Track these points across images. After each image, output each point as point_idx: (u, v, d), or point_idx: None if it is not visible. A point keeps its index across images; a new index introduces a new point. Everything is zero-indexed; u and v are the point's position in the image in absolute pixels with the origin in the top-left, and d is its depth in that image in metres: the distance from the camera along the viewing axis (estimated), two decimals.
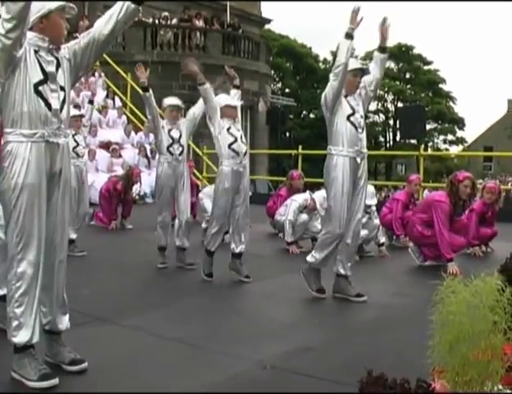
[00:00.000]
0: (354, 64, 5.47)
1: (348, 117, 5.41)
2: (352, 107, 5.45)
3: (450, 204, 6.97)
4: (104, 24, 3.57)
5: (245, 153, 6.28)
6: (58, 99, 3.46)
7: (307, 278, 5.59)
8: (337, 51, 5.32)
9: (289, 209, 8.28)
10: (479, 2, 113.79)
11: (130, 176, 10.45)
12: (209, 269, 6.23)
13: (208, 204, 8.45)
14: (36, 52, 3.40)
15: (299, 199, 8.43)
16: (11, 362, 3.40)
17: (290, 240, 8.11)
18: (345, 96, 5.46)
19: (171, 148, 6.80)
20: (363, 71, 5.59)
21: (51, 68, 3.45)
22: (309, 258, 5.57)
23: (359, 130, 5.45)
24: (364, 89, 5.58)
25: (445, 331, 2.62)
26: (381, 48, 5.61)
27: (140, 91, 6.82)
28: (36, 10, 3.35)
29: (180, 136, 6.88)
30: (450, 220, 7.02)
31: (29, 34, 3.36)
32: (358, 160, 5.44)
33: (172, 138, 6.81)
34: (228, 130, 6.18)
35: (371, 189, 7.61)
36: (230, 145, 6.14)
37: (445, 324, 2.63)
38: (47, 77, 3.41)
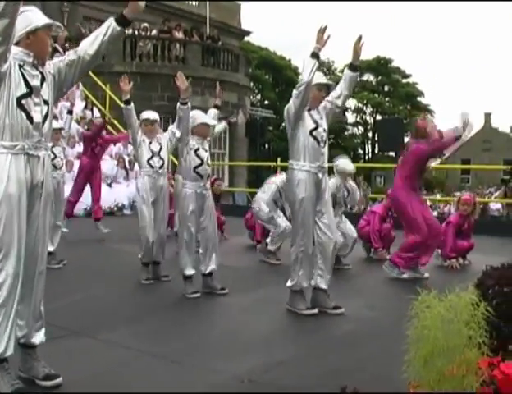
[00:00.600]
0: (319, 79, 5.51)
1: (311, 132, 5.43)
2: (315, 121, 5.48)
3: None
4: (90, 44, 3.61)
5: (209, 176, 6.29)
6: (41, 113, 3.47)
7: (293, 305, 5.51)
8: (302, 69, 5.34)
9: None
10: (457, 16, 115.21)
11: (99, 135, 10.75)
12: (192, 288, 6.17)
13: None
14: (21, 66, 3.41)
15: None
16: None
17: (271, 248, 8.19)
18: (309, 110, 5.48)
19: (151, 161, 6.76)
20: (328, 87, 5.63)
21: (35, 82, 3.46)
22: (288, 283, 5.53)
23: (321, 145, 5.48)
24: (330, 103, 5.60)
25: (420, 345, 2.63)
26: (353, 66, 5.63)
27: (121, 104, 6.76)
28: (23, 25, 3.39)
29: (161, 149, 6.83)
30: None
31: (15, 49, 3.38)
32: (320, 175, 5.47)
33: (152, 151, 6.78)
34: (196, 151, 6.14)
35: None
36: (195, 168, 6.12)
37: (420, 339, 2.64)
38: (31, 91, 3.42)
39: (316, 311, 5.44)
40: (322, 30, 5.21)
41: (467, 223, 8.41)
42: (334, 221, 5.62)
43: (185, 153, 6.18)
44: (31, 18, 3.46)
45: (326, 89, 5.61)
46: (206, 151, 6.26)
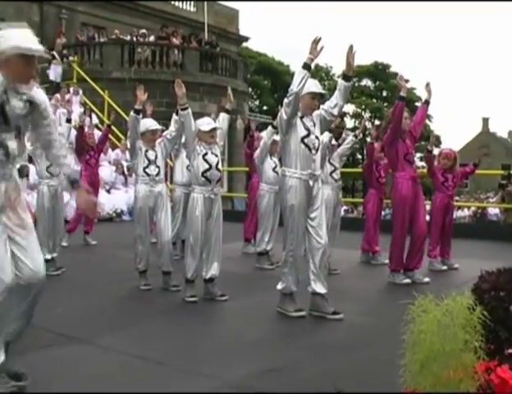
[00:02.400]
0: (313, 87, 5.54)
1: (302, 139, 5.46)
2: (307, 129, 5.50)
3: None
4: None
5: (218, 180, 6.26)
6: (12, 142, 3.47)
7: (283, 307, 5.58)
8: (294, 78, 5.36)
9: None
10: (455, 21, 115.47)
11: (83, 139, 10.56)
12: (191, 292, 6.18)
13: None
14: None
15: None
16: None
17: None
18: (301, 117, 5.51)
19: (147, 170, 6.73)
20: (321, 96, 5.66)
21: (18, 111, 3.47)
22: (279, 286, 5.61)
23: (313, 152, 5.51)
24: (325, 112, 5.62)
25: (417, 350, 2.63)
26: (346, 76, 5.64)
27: (131, 112, 6.66)
28: None
29: (156, 157, 6.81)
30: None
31: None
32: (311, 182, 5.50)
33: (149, 159, 6.76)
34: (204, 156, 6.13)
35: None
36: (203, 173, 6.12)
37: (416, 343, 2.64)
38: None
39: (304, 313, 5.49)
40: (316, 41, 5.23)
41: (450, 179, 8.42)
42: (325, 227, 5.65)
43: (192, 159, 6.19)
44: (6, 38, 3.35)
45: (320, 97, 5.64)
46: (216, 156, 6.23)
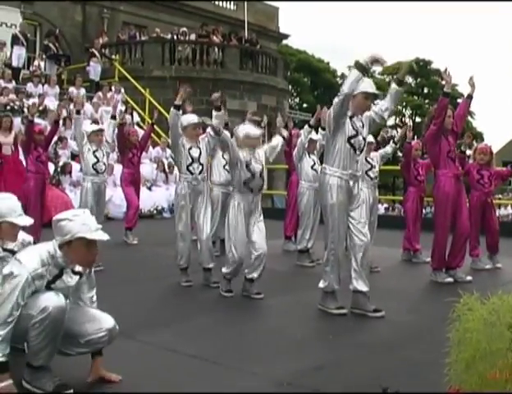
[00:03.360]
0: (367, 87, 5.46)
1: (349, 139, 5.40)
2: (356, 129, 5.45)
3: None
4: None
5: (261, 188, 6.25)
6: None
7: (325, 305, 5.57)
8: (347, 79, 5.33)
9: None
10: (500, 16, 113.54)
11: (126, 137, 10.55)
12: (227, 286, 6.23)
13: None
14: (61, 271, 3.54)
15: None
16: None
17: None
18: (351, 117, 5.46)
19: (190, 168, 6.68)
20: (375, 96, 5.61)
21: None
22: (321, 285, 5.59)
23: (357, 153, 5.47)
24: (376, 114, 5.57)
25: (462, 349, 2.59)
26: (399, 81, 5.60)
27: (171, 108, 6.64)
28: (62, 234, 3.48)
29: (200, 154, 6.77)
30: None
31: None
32: (351, 182, 5.47)
33: (192, 157, 6.71)
34: (247, 166, 6.09)
35: None
36: (245, 183, 6.09)
37: (461, 342, 2.60)
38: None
39: (345, 311, 5.46)
40: (380, 59, 5.23)
41: (486, 177, 8.25)
42: (366, 225, 5.61)
43: (236, 165, 6.13)
44: (69, 228, 3.44)
45: (373, 97, 5.58)
46: (260, 163, 6.20)
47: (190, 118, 6.89)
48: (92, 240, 3.47)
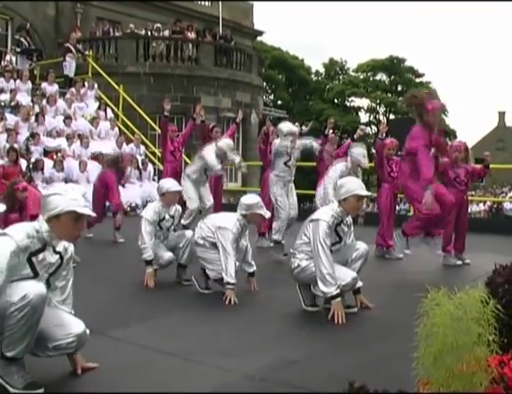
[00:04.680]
0: (358, 189, 5.35)
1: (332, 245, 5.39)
2: (340, 236, 5.49)
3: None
4: None
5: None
6: None
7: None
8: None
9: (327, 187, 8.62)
10: (470, 14, 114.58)
11: (117, 161, 10.44)
12: (205, 283, 6.26)
13: None
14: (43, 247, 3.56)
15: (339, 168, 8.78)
16: None
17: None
18: (338, 224, 5.42)
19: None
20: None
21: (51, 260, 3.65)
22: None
23: None
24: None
25: (430, 343, 2.63)
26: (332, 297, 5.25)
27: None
28: (48, 208, 3.52)
29: None
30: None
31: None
32: None
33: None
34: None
35: None
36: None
37: (429, 336, 2.64)
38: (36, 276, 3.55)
39: (317, 308, 5.50)
40: None
41: (463, 174, 8.32)
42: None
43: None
44: (57, 203, 3.49)
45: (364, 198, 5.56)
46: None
47: (169, 185, 6.80)
48: (81, 214, 3.52)
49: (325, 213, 5.34)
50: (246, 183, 23.76)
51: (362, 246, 5.61)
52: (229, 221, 6.01)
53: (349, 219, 5.53)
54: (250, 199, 6.06)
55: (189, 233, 6.77)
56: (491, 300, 2.67)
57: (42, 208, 3.54)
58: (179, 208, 6.94)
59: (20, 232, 3.44)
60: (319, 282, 5.14)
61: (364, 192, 5.39)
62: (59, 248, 3.64)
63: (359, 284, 5.52)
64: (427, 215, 6.98)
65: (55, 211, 3.48)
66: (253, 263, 6.29)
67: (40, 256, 3.51)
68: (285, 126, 8.63)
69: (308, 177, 30.03)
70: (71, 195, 3.56)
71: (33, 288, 3.34)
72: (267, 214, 6.13)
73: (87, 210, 3.61)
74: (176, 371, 3.90)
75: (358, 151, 8.73)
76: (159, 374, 3.82)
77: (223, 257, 5.86)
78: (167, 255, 6.61)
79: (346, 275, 5.29)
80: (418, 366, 2.69)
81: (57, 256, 3.65)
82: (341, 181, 5.51)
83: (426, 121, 7.05)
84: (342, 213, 5.34)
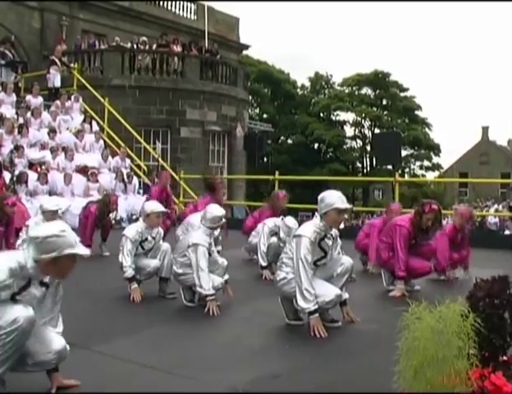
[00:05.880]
0: (338, 202, 5.36)
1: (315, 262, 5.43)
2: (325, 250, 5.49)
3: (411, 229, 7.10)
4: None
5: None
6: None
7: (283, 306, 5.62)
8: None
9: (261, 232, 8.37)
10: (454, 30, 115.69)
11: (108, 203, 10.33)
12: (190, 295, 6.26)
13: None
14: (28, 282, 3.48)
15: (271, 223, 8.52)
16: None
17: (263, 264, 8.16)
18: (322, 238, 5.43)
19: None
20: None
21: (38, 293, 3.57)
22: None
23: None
24: None
25: (411, 356, 2.66)
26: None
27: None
28: (49, 249, 3.41)
29: None
30: (412, 244, 7.17)
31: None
32: None
33: None
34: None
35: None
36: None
37: (410, 350, 2.67)
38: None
39: (301, 322, 5.47)
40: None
41: (461, 235, 8.40)
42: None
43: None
44: (58, 244, 3.41)
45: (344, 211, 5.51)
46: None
47: (153, 206, 6.85)
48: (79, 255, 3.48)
49: (307, 229, 5.35)
50: (232, 197, 23.74)
51: (347, 261, 5.62)
52: (198, 237, 6.17)
53: (333, 232, 5.54)
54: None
55: (165, 245, 6.82)
56: (471, 314, 2.70)
57: (36, 247, 3.39)
58: (161, 230, 6.95)
59: (3, 271, 3.30)
60: (298, 297, 5.17)
61: (344, 205, 5.39)
62: (46, 279, 3.55)
63: (346, 296, 5.54)
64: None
65: (53, 253, 3.38)
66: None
67: (23, 293, 3.43)
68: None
69: (294, 191, 30.10)
70: (69, 235, 3.46)
71: (22, 312, 3.31)
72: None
73: (84, 250, 3.52)
74: (160, 385, 3.88)
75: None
76: (142, 388, 3.81)
77: (195, 272, 5.97)
78: (153, 262, 6.67)
79: (330, 292, 5.31)
80: (399, 379, 2.72)
81: (44, 288, 3.57)
82: (321, 195, 5.50)
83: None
84: (325, 227, 5.36)
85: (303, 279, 5.14)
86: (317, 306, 5.13)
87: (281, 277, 5.47)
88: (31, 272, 3.41)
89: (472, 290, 3.41)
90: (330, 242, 5.48)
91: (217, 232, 6.35)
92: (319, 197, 5.51)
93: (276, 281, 5.56)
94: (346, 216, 6.39)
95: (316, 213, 5.85)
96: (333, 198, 5.37)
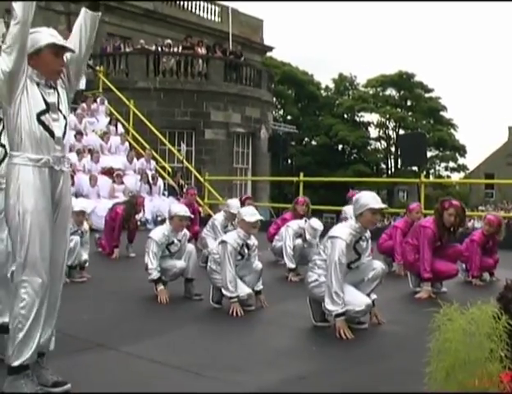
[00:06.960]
0: (373, 203, 5.32)
1: (348, 265, 5.40)
2: (359, 252, 5.45)
3: (436, 230, 7.02)
4: (73, 36, 3.72)
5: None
6: (60, 128, 3.54)
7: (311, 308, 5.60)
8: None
9: (285, 235, 8.36)
10: (480, 30, 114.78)
11: (134, 205, 10.37)
12: (218, 297, 6.25)
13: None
14: (38, 84, 3.50)
15: (294, 225, 8.49)
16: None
17: (292, 266, 8.13)
18: (357, 241, 5.39)
19: None
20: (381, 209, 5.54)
21: (52, 99, 3.55)
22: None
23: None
24: None
25: (442, 358, 2.63)
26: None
27: None
28: (29, 46, 3.46)
29: None
30: (437, 245, 7.09)
31: (29, 69, 3.48)
32: None
33: None
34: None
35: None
36: None
37: (441, 351, 2.64)
38: (48, 107, 3.50)
39: (328, 323, 5.43)
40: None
41: (491, 241, 8.27)
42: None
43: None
44: (37, 39, 3.52)
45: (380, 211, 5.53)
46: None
47: (177, 209, 6.85)
48: (60, 47, 3.55)
49: (343, 231, 5.29)
50: (256, 198, 23.75)
51: (379, 266, 5.59)
52: (229, 235, 6.21)
53: (367, 234, 5.51)
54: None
55: (190, 246, 6.85)
56: (504, 316, 2.67)
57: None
58: (187, 232, 6.96)
59: None
60: (326, 299, 5.15)
61: (379, 205, 5.37)
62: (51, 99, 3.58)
63: (374, 296, 5.51)
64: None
65: (36, 46, 3.48)
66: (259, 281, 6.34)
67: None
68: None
69: (318, 193, 30.02)
70: (49, 31, 3.60)
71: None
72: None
73: (65, 42, 3.60)
74: (187, 386, 3.89)
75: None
76: (169, 389, 3.82)
77: (222, 272, 5.98)
78: (179, 264, 6.68)
79: (361, 301, 5.29)
80: (429, 381, 2.69)
81: (52, 90, 3.60)
82: (357, 196, 5.49)
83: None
84: (360, 228, 5.33)
85: (334, 282, 5.12)
86: (344, 309, 5.11)
87: (313, 279, 5.45)
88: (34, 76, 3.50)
89: (502, 292, 3.37)
90: (364, 244, 5.45)
91: (253, 237, 6.27)
92: (354, 198, 5.50)
93: (307, 283, 5.54)
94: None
95: (342, 214, 5.85)
96: (367, 198, 5.35)
